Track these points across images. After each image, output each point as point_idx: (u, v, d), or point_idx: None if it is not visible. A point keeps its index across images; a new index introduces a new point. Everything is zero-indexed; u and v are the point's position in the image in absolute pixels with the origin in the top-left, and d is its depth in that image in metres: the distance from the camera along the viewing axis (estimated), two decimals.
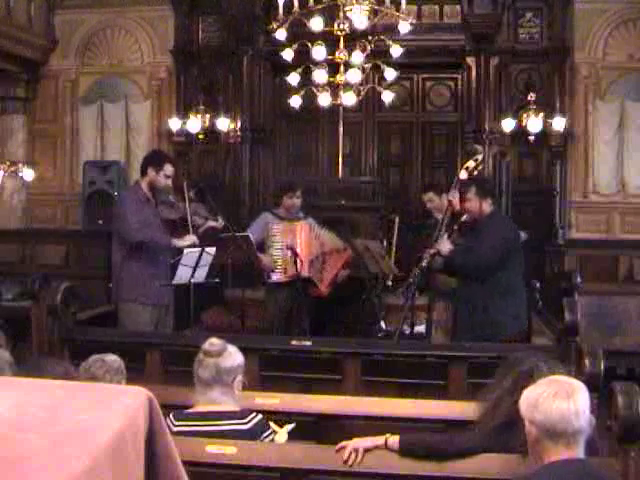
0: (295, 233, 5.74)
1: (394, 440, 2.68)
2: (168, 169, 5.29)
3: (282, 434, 2.99)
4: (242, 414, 2.90)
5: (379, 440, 2.70)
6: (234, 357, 2.93)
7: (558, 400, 2.09)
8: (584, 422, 2.10)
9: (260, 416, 2.95)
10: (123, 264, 5.18)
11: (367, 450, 2.68)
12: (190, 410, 2.95)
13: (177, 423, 2.88)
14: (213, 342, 2.95)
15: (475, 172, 5.60)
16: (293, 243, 5.60)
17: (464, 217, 5.08)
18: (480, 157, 5.63)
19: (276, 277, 5.71)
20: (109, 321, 5.71)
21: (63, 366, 2.84)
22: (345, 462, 2.67)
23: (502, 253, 4.86)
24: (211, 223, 5.55)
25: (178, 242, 5.21)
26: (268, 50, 8.50)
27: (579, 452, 2.12)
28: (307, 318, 5.47)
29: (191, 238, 5.25)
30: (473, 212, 4.98)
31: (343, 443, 2.71)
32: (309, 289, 5.72)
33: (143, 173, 5.33)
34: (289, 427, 3.02)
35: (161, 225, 5.31)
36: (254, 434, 2.87)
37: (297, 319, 5.61)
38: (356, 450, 2.67)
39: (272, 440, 2.94)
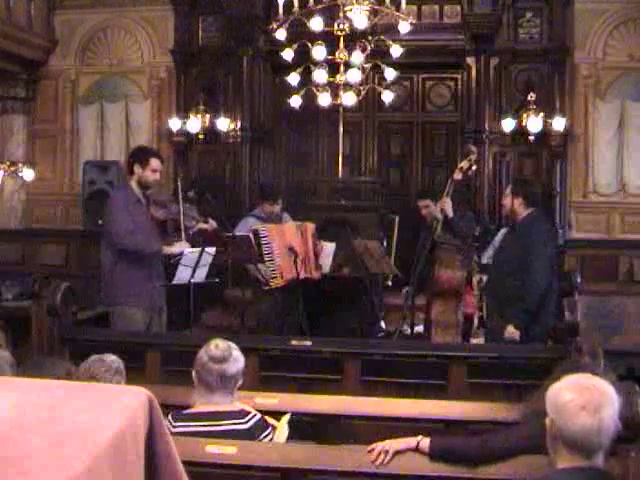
0: (285, 235, 5.70)
1: (425, 443, 2.65)
2: (154, 163, 5.11)
3: (282, 427, 2.98)
4: (241, 414, 2.89)
5: (411, 443, 2.67)
6: (238, 362, 2.89)
7: (584, 415, 2.00)
8: (606, 439, 2.03)
9: (259, 415, 2.94)
10: (114, 266, 5.04)
11: (398, 452, 2.65)
12: (189, 410, 2.94)
13: (176, 424, 2.87)
14: (219, 345, 2.90)
15: (470, 172, 5.64)
16: (286, 244, 5.57)
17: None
18: (474, 157, 5.64)
19: (274, 284, 5.58)
20: (109, 321, 5.70)
21: (64, 366, 2.84)
22: (373, 462, 2.66)
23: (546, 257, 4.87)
24: (202, 225, 5.35)
25: (168, 249, 5.08)
26: (268, 50, 8.49)
27: (596, 462, 2.06)
28: (306, 318, 5.46)
29: (182, 245, 5.08)
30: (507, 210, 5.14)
31: (374, 445, 2.69)
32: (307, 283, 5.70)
33: (131, 172, 5.16)
34: (286, 419, 3.02)
35: (152, 227, 5.16)
36: (253, 433, 2.87)
37: (295, 319, 5.60)
38: (386, 451, 2.65)
39: (272, 439, 2.94)
